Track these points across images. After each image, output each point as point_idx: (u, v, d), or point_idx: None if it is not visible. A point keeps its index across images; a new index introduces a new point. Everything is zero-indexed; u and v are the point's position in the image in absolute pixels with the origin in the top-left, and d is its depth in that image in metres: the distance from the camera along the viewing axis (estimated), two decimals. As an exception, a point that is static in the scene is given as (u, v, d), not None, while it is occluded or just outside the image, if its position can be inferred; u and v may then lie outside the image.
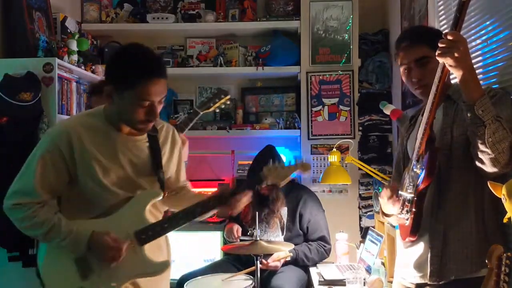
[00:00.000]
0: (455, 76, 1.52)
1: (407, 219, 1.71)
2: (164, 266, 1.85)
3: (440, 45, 1.48)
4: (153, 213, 1.90)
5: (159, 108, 1.76)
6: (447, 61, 1.48)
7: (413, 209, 1.68)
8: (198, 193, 2.09)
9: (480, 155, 1.52)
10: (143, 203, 1.83)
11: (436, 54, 1.49)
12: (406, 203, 1.71)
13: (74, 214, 1.80)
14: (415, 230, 1.71)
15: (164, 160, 1.92)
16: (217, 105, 2.78)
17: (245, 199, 1.87)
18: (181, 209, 1.85)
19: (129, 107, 1.72)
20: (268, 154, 3.25)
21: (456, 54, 1.45)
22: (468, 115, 1.51)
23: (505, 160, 1.49)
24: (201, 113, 2.74)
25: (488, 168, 1.52)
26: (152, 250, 1.84)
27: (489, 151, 1.48)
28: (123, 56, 1.76)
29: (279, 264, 3.04)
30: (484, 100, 1.47)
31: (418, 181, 1.66)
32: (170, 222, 1.82)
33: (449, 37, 1.46)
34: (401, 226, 1.80)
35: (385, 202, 1.79)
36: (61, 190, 1.80)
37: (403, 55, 1.81)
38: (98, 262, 1.76)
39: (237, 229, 3.15)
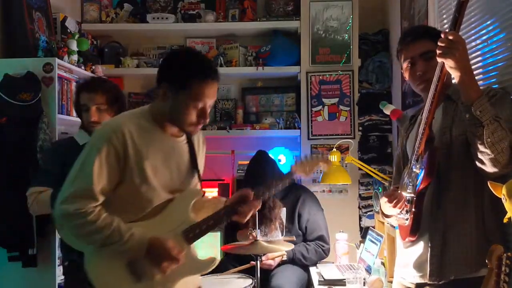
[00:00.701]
0: (454, 77, 1.52)
1: (406, 219, 1.71)
2: (211, 262, 1.85)
3: (440, 44, 1.48)
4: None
5: (209, 114, 1.80)
6: (447, 62, 1.48)
7: (413, 209, 1.68)
8: (213, 197, 2.16)
9: (480, 156, 1.51)
10: (187, 202, 1.84)
11: (437, 54, 1.49)
12: (406, 203, 1.71)
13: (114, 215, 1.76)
14: (415, 230, 1.71)
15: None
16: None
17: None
18: (222, 207, 1.88)
19: (183, 108, 1.74)
20: (261, 159, 3.27)
21: (456, 55, 1.45)
22: (467, 116, 1.51)
23: (505, 160, 1.49)
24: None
25: (489, 168, 1.52)
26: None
27: (488, 151, 1.48)
28: (182, 57, 1.80)
29: (273, 263, 3.03)
30: (482, 101, 1.47)
31: (418, 181, 1.66)
32: (214, 219, 1.84)
33: (449, 37, 1.46)
34: (401, 226, 1.80)
35: (384, 202, 1.79)
36: (110, 192, 1.73)
37: (407, 49, 1.81)
38: (149, 266, 1.73)
39: (249, 232, 3.13)
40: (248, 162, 3.70)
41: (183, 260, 1.75)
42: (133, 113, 1.86)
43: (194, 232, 1.81)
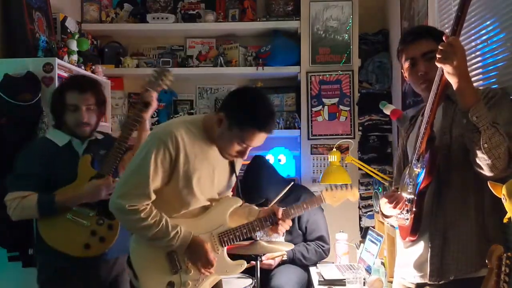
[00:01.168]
0: (451, 82, 1.52)
1: (407, 219, 1.71)
2: (239, 266, 2.05)
3: (440, 48, 1.48)
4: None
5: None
6: (445, 67, 1.49)
7: (413, 209, 1.68)
8: (244, 205, 2.23)
9: (478, 161, 1.52)
10: (227, 208, 2.05)
11: (436, 59, 1.50)
12: (406, 203, 1.71)
13: None
14: (415, 230, 1.71)
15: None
16: (166, 83, 2.46)
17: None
18: (255, 219, 2.09)
19: (230, 141, 1.91)
20: (258, 166, 3.27)
21: (454, 62, 1.46)
22: (464, 121, 1.51)
23: (503, 166, 1.49)
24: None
25: (486, 173, 1.52)
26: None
27: (485, 156, 1.48)
28: (248, 100, 1.93)
29: (273, 262, 3.04)
30: (478, 107, 1.48)
31: (418, 180, 1.66)
32: (248, 228, 2.05)
33: (450, 42, 1.47)
34: (401, 226, 1.80)
35: (384, 203, 1.79)
36: (159, 191, 1.91)
37: (408, 49, 1.80)
38: (187, 260, 1.95)
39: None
40: (248, 162, 3.71)
41: (215, 263, 1.95)
42: (185, 120, 2.01)
43: (229, 237, 2.02)
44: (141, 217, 1.84)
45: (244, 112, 1.88)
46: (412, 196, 1.68)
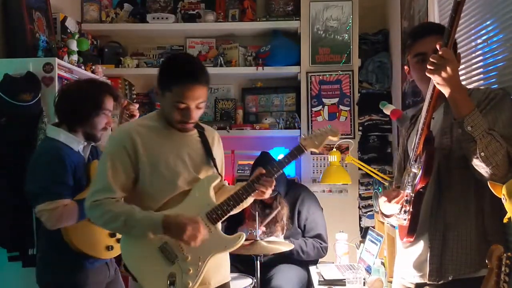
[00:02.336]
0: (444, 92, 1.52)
1: (405, 219, 1.72)
2: (238, 238, 1.99)
3: (431, 60, 1.48)
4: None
5: (198, 112, 1.95)
6: (434, 78, 1.50)
7: (410, 209, 1.68)
8: (236, 185, 2.19)
9: (477, 169, 1.52)
10: (206, 186, 2.00)
11: (426, 70, 1.50)
12: (405, 203, 1.71)
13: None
14: (412, 231, 1.71)
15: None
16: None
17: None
18: (240, 187, 2.02)
19: (168, 108, 1.94)
20: (265, 160, 3.27)
21: (443, 74, 1.47)
22: (459, 131, 1.52)
23: (502, 172, 1.49)
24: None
25: (486, 178, 1.52)
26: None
27: (483, 165, 1.48)
28: (168, 63, 2.01)
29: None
30: (473, 116, 1.48)
31: (416, 181, 1.66)
32: (234, 199, 2.00)
33: (440, 54, 1.47)
34: (400, 226, 1.80)
35: (383, 202, 1.79)
36: (130, 187, 1.95)
37: (421, 42, 1.75)
38: (180, 247, 1.91)
39: (250, 231, 3.12)
40: (248, 162, 3.71)
41: (205, 230, 1.90)
42: (141, 118, 2.14)
43: (217, 213, 1.97)
44: (105, 209, 1.87)
45: (163, 73, 1.96)
46: (410, 196, 1.68)
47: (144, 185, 1.95)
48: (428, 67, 1.49)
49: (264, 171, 2.03)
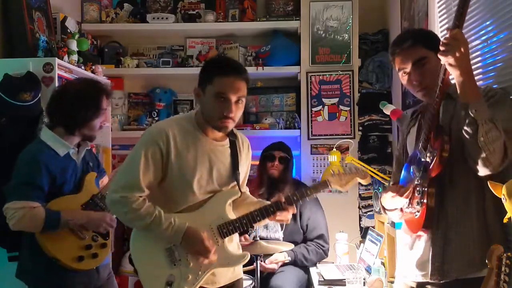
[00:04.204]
0: (453, 75, 1.53)
1: (418, 211, 1.69)
2: (242, 258, 2.04)
3: (443, 41, 1.48)
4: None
5: (238, 108, 1.96)
6: (447, 59, 1.49)
7: (424, 200, 1.66)
8: (257, 200, 2.24)
9: (472, 154, 1.52)
10: (224, 200, 2.03)
11: (439, 52, 1.50)
12: (416, 195, 1.69)
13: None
14: (429, 222, 1.67)
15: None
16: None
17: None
18: (255, 209, 2.05)
19: (209, 102, 1.95)
20: (280, 147, 3.30)
21: (457, 54, 1.46)
22: (462, 113, 1.52)
23: (497, 161, 1.49)
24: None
25: (480, 168, 1.52)
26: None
27: (480, 150, 1.48)
28: (210, 60, 2.13)
29: (276, 266, 3.04)
30: (480, 102, 1.49)
31: (429, 169, 1.63)
32: (248, 218, 2.02)
33: (453, 35, 1.47)
34: (411, 220, 1.76)
35: (390, 197, 1.77)
36: (155, 186, 1.96)
37: (399, 60, 1.79)
38: (185, 253, 1.95)
39: (244, 237, 3.12)
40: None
41: (214, 252, 1.94)
42: (178, 117, 2.18)
43: (228, 228, 2.00)
44: (132, 207, 1.88)
45: (205, 69, 2.01)
46: (422, 188, 1.66)
47: (169, 187, 1.97)
48: (441, 48, 1.49)
49: (283, 199, 2.05)
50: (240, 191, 2.10)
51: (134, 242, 2.02)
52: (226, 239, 2.01)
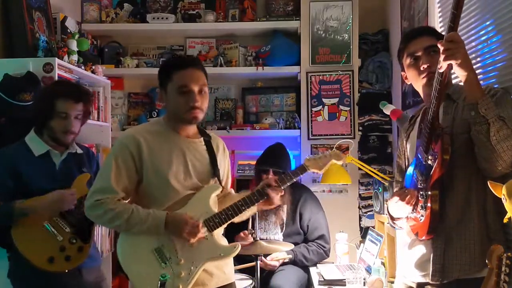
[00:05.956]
0: (458, 76, 1.53)
1: (422, 216, 1.69)
2: (233, 248, 2.03)
3: (444, 47, 1.49)
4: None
5: (202, 98, 2.00)
6: (456, 61, 1.50)
7: (428, 204, 1.66)
8: (241, 193, 2.21)
9: (485, 155, 1.52)
10: (207, 195, 2.04)
11: (442, 58, 1.51)
12: (420, 199, 1.69)
13: None
14: (433, 227, 1.66)
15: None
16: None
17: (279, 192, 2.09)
18: (239, 199, 2.05)
19: (173, 100, 2.00)
20: (279, 149, 3.27)
21: (461, 54, 1.49)
22: (472, 113, 1.52)
23: (510, 159, 1.50)
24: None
25: (493, 167, 1.53)
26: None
27: (493, 149, 1.49)
28: (165, 61, 2.19)
29: (277, 264, 3.04)
30: (486, 100, 1.50)
31: (431, 174, 1.63)
32: (233, 209, 2.03)
33: (450, 38, 1.49)
34: (416, 225, 1.76)
35: (394, 203, 1.77)
36: (132, 190, 2.00)
37: (412, 45, 1.82)
38: (175, 250, 1.94)
39: (249, 232, 3.12)
40: (248, 162, 3.70)
41: (202, 233, 1.95)
42: (147, 124, 2.22)
43: (214, 221, 2.00)
44: (108, 208, 1.91)
45: (163, 70, 2.07)
46: (426, 191, 1.66)
47: (148, 187, 1.99)
48: (443, 54, 1.51)
49: (271, 182, 2.07)
50: (222, 186, 2.11)
51: (122, 249, 2.00)
52: (214, 232, 2.01)
